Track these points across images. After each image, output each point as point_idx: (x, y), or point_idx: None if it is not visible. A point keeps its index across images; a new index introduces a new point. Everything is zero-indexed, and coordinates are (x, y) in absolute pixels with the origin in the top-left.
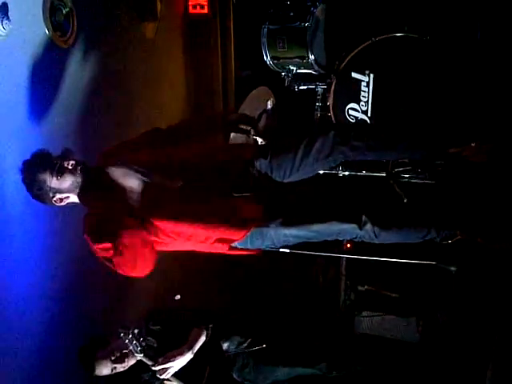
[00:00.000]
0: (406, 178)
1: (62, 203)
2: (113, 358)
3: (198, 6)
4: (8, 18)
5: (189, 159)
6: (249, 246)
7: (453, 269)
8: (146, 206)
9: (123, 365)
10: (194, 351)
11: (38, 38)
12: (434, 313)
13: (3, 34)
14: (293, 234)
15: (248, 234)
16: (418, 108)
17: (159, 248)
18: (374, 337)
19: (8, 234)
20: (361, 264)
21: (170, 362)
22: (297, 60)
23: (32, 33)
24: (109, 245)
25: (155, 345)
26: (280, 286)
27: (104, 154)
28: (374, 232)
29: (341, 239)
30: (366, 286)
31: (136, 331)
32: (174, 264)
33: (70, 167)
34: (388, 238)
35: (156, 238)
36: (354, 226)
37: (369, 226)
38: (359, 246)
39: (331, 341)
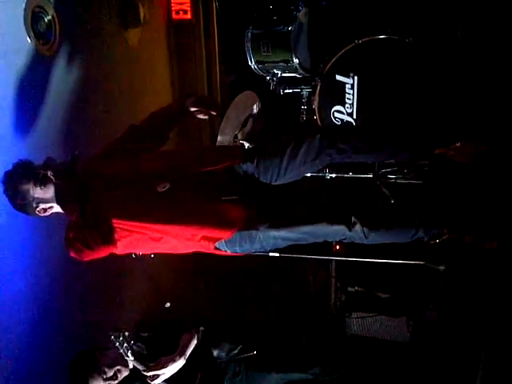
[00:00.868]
0: (393, 178)
1: (46, 213)
2: (105, 377)
3: (181, 12)
4: None
5: (176, 162)
6: (238, 250)
7: (441, 268)
8: (132, 210)
9: (116, 381)
10: (187, 356)
11: (20, 47)
12: (423, 312)
13: None
14: (282, 236)
15: (235, 234)
16: (402, 109)
17: (146, 249)
18: (365, 338)
19: None
20: (350, 265)
21: (163, 368)
22: (281, 64)
23: (14, 41)
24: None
25: (145, 351)
26: (269, 289)
27: (87, 163)
28: (364, 233)
29: (330, 240)
30: (356, 287)
31: (127, 334)
32: (163, 271)
33: (53, 177)
34: (377, 238)
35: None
36: (343, 227)
37: (358, 227)
38: (348, 248)
39: (323, 344)
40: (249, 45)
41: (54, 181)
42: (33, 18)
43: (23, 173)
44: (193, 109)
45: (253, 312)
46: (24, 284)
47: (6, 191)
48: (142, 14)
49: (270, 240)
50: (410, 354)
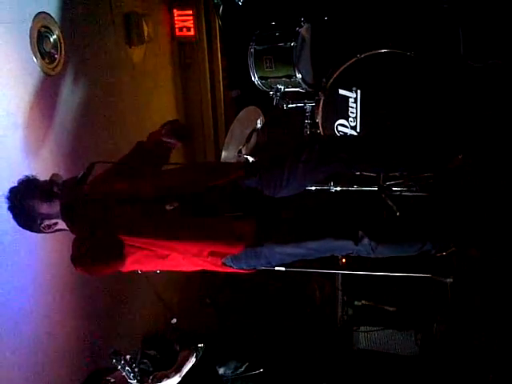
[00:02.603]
0: (398, 191)
1: (50, 230)
2: None
3: (184, 29)
4: None
5: (182, 181)
6: (244, 266)
7: (448, 280)
8: (140, 227)
9: None
10: (182, 374)
11: (26, 66)
12: (431, 325)
13: None
14: (288, 252)
15: (242, 251)
16: (405, 122)
17: (153, 266)
18: (372, 352)
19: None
20: (357, 279)
21: (158, 383)
22: (284, 79)
23: (20, 61)
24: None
25: (151, 369)
26: (275, 304)
27: (94, 180)
28: (371, 247)
29: (337, 254)
30: (362, 301)
31: (128, 357)
32: (170, 287)
33: (58, 192)
34: (385, 251)
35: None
36: (349, 242)
37: (366, 241)
38: (354, 261)
39: (330, 358)
40: (252, 60)
41: (60, 196)
42: (38, 38)
43: (29, 188)
44: (165, 139)
45: (259, 327)
46: (29, 300)
47: (10, 207)
48: (146, 32)
49: (275, 256)
50: (419, 367)
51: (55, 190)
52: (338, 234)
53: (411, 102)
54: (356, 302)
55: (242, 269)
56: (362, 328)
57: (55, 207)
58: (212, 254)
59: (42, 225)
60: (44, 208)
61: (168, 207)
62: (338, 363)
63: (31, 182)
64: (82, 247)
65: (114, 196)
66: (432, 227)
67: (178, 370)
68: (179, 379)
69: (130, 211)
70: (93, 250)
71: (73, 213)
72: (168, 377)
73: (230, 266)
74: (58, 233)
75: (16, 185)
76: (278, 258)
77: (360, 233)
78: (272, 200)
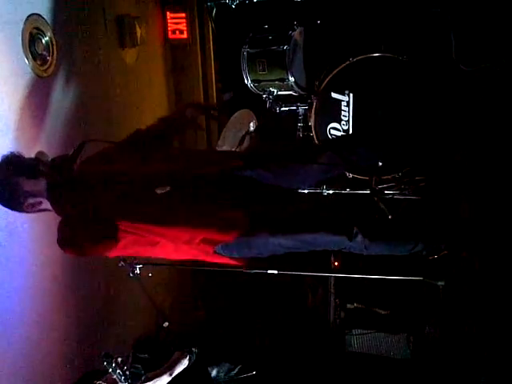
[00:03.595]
0: (390, 194)
1: (34, 209)
2: None
3: (177, 31)
4: None
5: (176, 166)
6: (235, 255)
7: (440, 283)
8: (130, 210)
9: None
10: (173, 374)
11: (18, 68)
12: (423, 328)
13: None
14: (281, 243)
15: (235, 239)
16: (397, 126)
17: (142, 253)
18: (365, 355)
19: None
20: (349, 282)
21: (148, 382)
22: (277, 82)
23: (12, 63)
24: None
25: (142, 372)
26: (268, 307)
27: (85, 161)
28: (364, 244)
29: (329, 249)
30: (355, 304)
31: (119, 360)
32: (162, 290)
33: (45, 170)
34: (377, 249)
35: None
36: (343, 237)
37: (360, 238)
38: (347, 264)
39: (323, 361)
40: (245, 63)
41: (45, 174)
42: (30, 40)
43: (13, 164)
44: (194, 115)
45: (251, 330)
46: (19, 302)
47: None
48: (139, 34)
49: (268, 246)
50: (411, 370)
51: (40, 167)
52: (333, 229)
53: (404, 106)
54: (348, 305)
55: (233, 257)
56: (355, 331)
57: (40, 185)
58: (204, 241)
59: (26, 203)
60: (28, 185)
61: (159, 191)
62: (330, 366)
63: (16, 158)
64: (68, 228)
65: (103, 177)
66: (424, 229)
67: (169, 369)
68: (170, 378)
69: (119, 193)
70: (85, 230)
71: (58, 192)
72: (159, 376)
73: (221, 255)
74: (52, 231)
75: (0, 160)
76: (271, 249)
77: (355, 229)
78: (268, 191)
